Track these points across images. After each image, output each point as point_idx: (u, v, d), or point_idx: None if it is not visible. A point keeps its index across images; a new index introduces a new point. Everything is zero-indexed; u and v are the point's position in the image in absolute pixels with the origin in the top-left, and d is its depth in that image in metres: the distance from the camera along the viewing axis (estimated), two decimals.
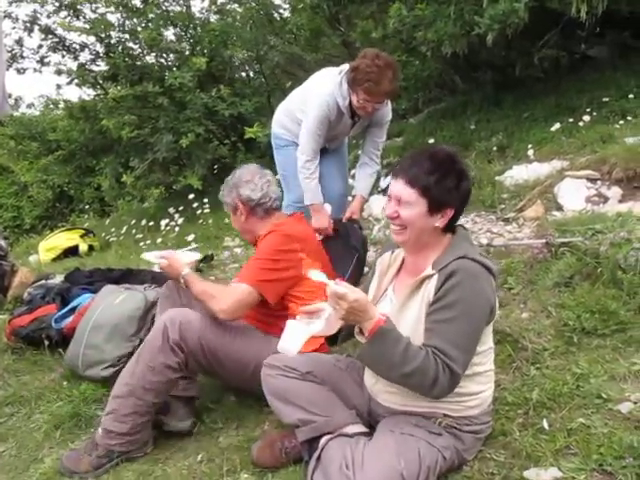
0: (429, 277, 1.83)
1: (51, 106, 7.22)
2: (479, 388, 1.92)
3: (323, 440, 1.97)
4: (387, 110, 3.37)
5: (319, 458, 1.90)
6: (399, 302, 1.91)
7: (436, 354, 1.72)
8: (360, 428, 2.03)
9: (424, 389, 1.76)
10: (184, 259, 2.57)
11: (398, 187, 1.83)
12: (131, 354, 2.91)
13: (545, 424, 1.97)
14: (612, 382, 2.09)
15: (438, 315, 1.77)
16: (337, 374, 2.15)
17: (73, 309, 3.33)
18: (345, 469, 1.71)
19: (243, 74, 7.49)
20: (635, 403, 1.96)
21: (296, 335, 1.84)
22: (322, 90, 3.16)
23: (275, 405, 2.11)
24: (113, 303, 3.04)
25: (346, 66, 3.22)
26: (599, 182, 3.98)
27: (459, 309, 1.74)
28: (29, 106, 8.77)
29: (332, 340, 2.06)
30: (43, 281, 4.01)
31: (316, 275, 1.88)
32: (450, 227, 1.89)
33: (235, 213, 2.71)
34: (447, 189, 1.79)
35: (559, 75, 6.12)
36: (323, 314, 1.87)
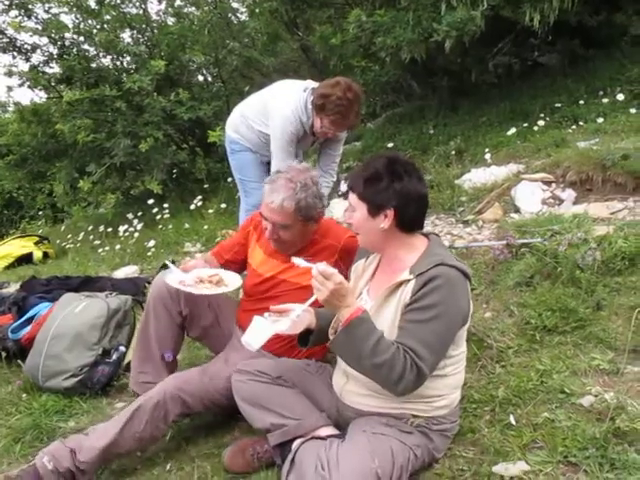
0: (406, 282, 1.85)
1: (0, 109, 6.94)
2: (448, 391, 1.96)
3: (296, 443, 1.97)
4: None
5: (293, 461, 1.89)
6: (376, 304, 1.93)
7: (406, 351, 1.75)
8: (332, 430, 2.04)
9: (389, 383, 1.78)
10: (232, 282, 2.37)
11: (349, 194, 1.94)
12: (94, 363, 2.87)
13: (512, 420, 2.03)
14: (574, 377, 2.16)
15: (413, 315, 1.80)
16: (307, 378, 2.17)
17: (30, 319, 3.24)
18: (321, 470, 1.72)
19: (201, 78, 7.42)
20: (596, 396, 2.03)
21: (261, 331, 1.87)
22: (287, 107, 3.16)
23: (246, 410, 2.10)
24: (74, 312, 2.97)
25: (311, 83, 3.23)
26: (554, 185, 4.12)
27: (434, 312, 1.77)
28: None
29: (303, 342, 2.06)
30: None
31: (298, 261, 1.91)
32: (406, 228, 1.92)
33: (307, 224, 2.34)
34: (378, 190, 1.86)
35: (512, 81, 6.32)
36: (291, 314, 1.90)
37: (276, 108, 3.19)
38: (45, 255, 5.85)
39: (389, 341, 1.78)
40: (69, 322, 2.92)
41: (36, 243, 5.87)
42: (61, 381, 2.80)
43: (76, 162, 6.17)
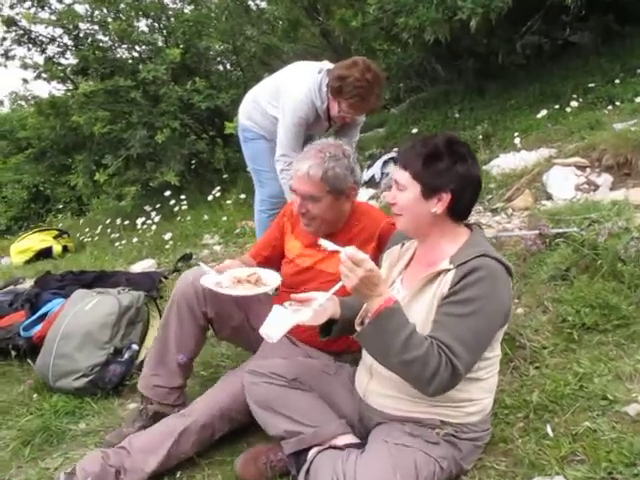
0: (445, 271, 1.70)
1: (20, 102, 6.89)
2: (481, 395, 1.79)
3: (312, 453, 1.83)
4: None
5: (308, 472, 1.76)
6: (409, 294, 1.78)
7: (441, 347, 1.59)
8: (351, 439, 1.89)
9: (421, 382, 1.61)
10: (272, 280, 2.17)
11: (396, 171, 1.77)
12: (105, 363, 2.77)
13: (548, 429, 1.85)
14: (617, 382, 1.97)
15: (451, 309, 1.64)
16: (326, 380, 2.01)
17: (43, 316, 3.15)
18: None
19: (219, 67, 7.27)
20: None
21: (280, 321, 1.73)
22: (300, 90, 2.98)
23: (259, 415, 1.96)
24: (84, 309, 2.86)
25: (326, 64, 3.05)
26: (588, 170, 3.89)
27: (475, 306, 1.61)
28: None
29: (325, 332, 1.91)
30: (12, 286, 3.81)
31: (326, 243, 1.77)
32: (456, 215, 1.77)
33: (338, 198, 2.18)
34: (438, 171, 1.69)
35: (542, 62, 6.04)
36: (313, 304, 1.76)
37: (288, 90, 3.02)
38: (65, 249, 5.79)
39: (422, 336, 1.62)
40: (79, 320, 2.81)
41: (55, 237, 5.80)
42: (72, 381, 2.70)
43: (94, 155, 6.10)
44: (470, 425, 1.79)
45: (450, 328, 1.62)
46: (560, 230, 2.62)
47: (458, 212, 1.76)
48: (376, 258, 1.95)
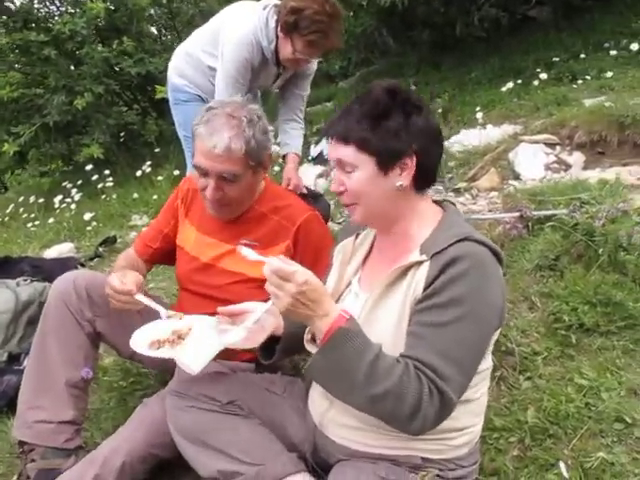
0: (417, 265, 1.27)
1: None
2: (471, 421, 1.37)
3: None
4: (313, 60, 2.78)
5: None
6: (371, 299, 1.34)
7: (420, 370, 1.18)
8: (305, 479, 1.45)
9: (400, 420, 1.20)
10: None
11: (332, 149, 1.34)
12: None
13: (562, 468, 1.46)
14: (632, 398, 1.61)
15: (429, 316, 1.22)
16: (271, 402, 1.57)
17: None
18: None
19: (153, 30, 6.61)
20: None
21: (203, 347, 1.31)
22: (242, 28, 2.49)
23: (186, 451, 1.49)
24: None
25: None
26: (558, 147, 3.60)
27: (461, 310, 1.19)
28: None
29: (267, 354, 1.47)
30: None
31: (247, 252, 1.32)
32: (422, 184, 1.34)
33: (257, 172, 1.74)
34: (393, 131, 1.26)
35: (500, 36, 5.80)
36: (247, 320, 1.33)
37: (228, 30, 2.52)
38: None
39: (392, 358, 1.20)
40: None
41: None
42: None
43: (7, 123, 5.35)
44: (457, 460, 1.38)
45: (431, 342, 1.20)
46: (547, 212, 2.25)
47: (425, 179, 1.33)
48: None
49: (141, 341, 1.56)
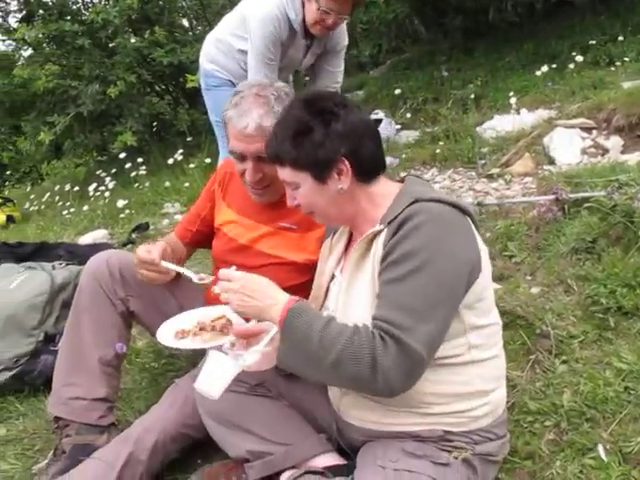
0: (377, 234, 1.30)
1: None
2: (486, 385, 1.35)
3: (284, 478, 1.43)
4: (342, 32, 2.77)
5: None
6: (345, 279, 1.39)
7: (375, 326, 1.19)
8: (334, 459, 1.48)
9: (364, 380, 1.18)
10: None
11: (278, 171, 1.40)
12: (33, 352, 2.28)
13: (600, 450, 1.42)
14: None
15: (386, 275, 1.24)
16: (298, 385, 1.57)
17: None
18: None
19: (184, 21, 6.65)
20: None
21: (219, 373, 1.33)
22: (266, 3, 2.50)
23: (215, 432, 1.52)
24: (8, 288, 2.35)
25: None
26: (595, 132, 3.51)
27: (415, 262, 1.20)
28: None
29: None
30: None
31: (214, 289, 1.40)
32: (368, 175, 1.37)
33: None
34: (316, 144, 1.30)
35: (534, 21, 5.68)
36: (262, 340, 1.34)
37: (254, 8, 2.52)
38: (10, 219, 5.21)
39: (342, 324, 1.22)
40: (1, 301, 2.30)
41: None
42: None
43: (44, 115, 5.46)
44: (481, 432, 1.35)
45: (388, 298, 1.22)
46: (584, 194, 2.19)
47: (368, 170, 1.36)
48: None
49: (166, 332, 1.59)
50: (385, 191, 1.37)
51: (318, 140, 1.29)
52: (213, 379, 1.31)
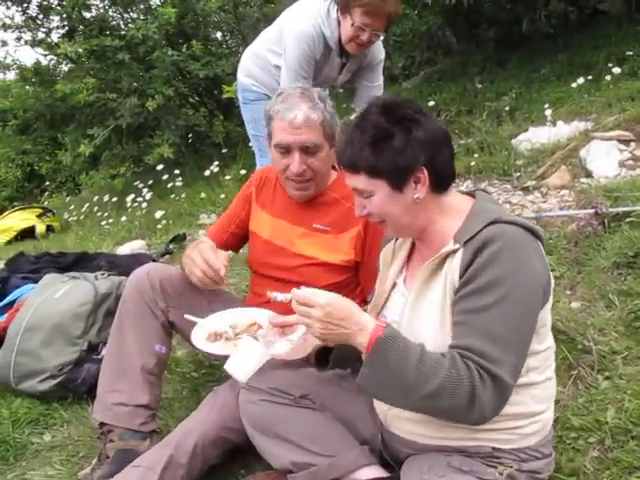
0: (452, 254, 1.29)
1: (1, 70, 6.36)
2: (538, 406, 1.36)
3: None
4: (378, 47, 2.81)
5: None
6: (414, 293, 1.37)
7: (467, 357, 1.18)
8: (377, 471, 1.48)
9: (458, 413, 1.20)
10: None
11: (346, 177, 1.39)
12: (77, 361, 2.34)
13: (634, 462, 1.41)
14: None
15: (469, 303, 1.23)
16: (342, 397, 1.59)
17: (12, 303, 2.71)
18: None
19: (219, 35, 6.77)
20: None
21: (249, 357, 1.39)
22: (302, 21, 2.56)
23: (259, 442, 1.54)
24: (53, 297, 2.43)
25: None
26: (633, 144, 3.46)
27: (500, 291, 1.20)
28: None
29: (322, 363, 1.51)
30: None
31: (275, 294, 1.42)
32: (442, 185, 1.36)
33: (332, 146, 1.78)
34: (397, 151, 1.28)
35: (569, 31, 5.61)
36: (296, 332, 1.38)
37: (290, 25, 2.58)
38: (49, 229, 5.35)
39: (437, 355, 1.21)
40: (46, 310, 2.38)
41: (39, 215, 5.37)
42: (36, 383, 2.29)
43: (83, 127, 5.61)
44: (529, 450, 1.36)
45: (474, 327, 1.21)
46: (624, 209, 2.17)
47: (443, 181, 1.36)
48: (363, 247, 1.71)
49: (200, 334, 1.65)
50: (456, 203, 1.38)
51: (399, 147, 1.29)
52: (243, 363, 1.37)
